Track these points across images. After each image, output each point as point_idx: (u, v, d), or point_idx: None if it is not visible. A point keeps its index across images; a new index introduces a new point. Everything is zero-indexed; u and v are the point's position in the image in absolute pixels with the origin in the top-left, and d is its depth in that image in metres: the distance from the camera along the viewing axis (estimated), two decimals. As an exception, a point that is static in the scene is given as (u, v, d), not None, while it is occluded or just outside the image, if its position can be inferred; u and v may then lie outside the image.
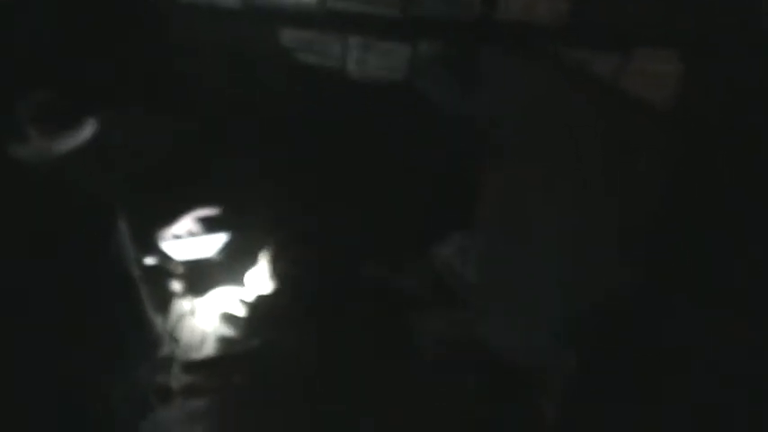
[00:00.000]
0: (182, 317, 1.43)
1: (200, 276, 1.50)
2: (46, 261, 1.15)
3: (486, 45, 1.32)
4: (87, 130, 1.33)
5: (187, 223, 1.53)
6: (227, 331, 1.35)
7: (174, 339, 1.38)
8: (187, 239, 1.51)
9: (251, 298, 1.39)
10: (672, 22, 1.37)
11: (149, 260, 1.49)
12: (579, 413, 1.14)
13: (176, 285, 1.49)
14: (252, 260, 1.46)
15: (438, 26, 1.37)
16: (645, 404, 1.08)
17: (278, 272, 1.37)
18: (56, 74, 1.29)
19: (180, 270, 1.51)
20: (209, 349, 1.35)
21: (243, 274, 1.46)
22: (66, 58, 1.31)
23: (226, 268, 1.51)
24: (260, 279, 1.42)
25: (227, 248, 1.53)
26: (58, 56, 1.31)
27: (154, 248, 1.50)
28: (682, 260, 1.12)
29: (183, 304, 1.45)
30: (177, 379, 1.30)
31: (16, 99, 1.27)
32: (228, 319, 1.35)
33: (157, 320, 1.37)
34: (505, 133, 1.20)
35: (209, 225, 1.54)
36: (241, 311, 1.35)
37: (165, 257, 1.50)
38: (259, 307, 1.35)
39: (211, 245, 1.53)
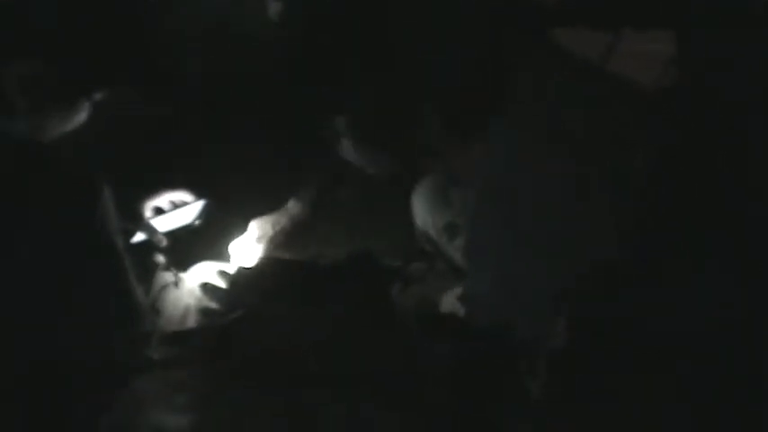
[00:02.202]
0: (164, 288, 1.42)
1: (184, 247, 1.49)
2: (29, 231, 1.14)
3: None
4: (82, 114, 1.31)
5: (170, 196, 1.53)
6: (209, 303, 1.34)
7: (156, 311, 1.38)
8: (170, 212, 1.51)
9: (234, 269, 1.39)
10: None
11: (133, 233, 1.48)
12: (563, 389, 1.14)
13: (159, 257, 1.49)
14: (235, 230, 1.46)
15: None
16: (632, 393, 1.08)
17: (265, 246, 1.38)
18: (47, 47, 1.26)
19: (163, 242, 1.50)
20: (191, 321, 1.35)
21: (226, 245, 1.46)
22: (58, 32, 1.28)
23: (208, 237, 1.50)
24: (244, 250, 1.43)
25: (207, 214, 1.53)
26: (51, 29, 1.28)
27: (137, 221, 1.49)
28: (679, 254, 1.11)
29: (166, 275, 1.45)
30: (158, 351, 1.29)
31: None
32: (210, 290, 1.34)
33: (140, 292, 1.36)
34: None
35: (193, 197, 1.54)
36: (223, 283, 1.34)
37: (148, 230, 1.50)
38: (242, 279, 1.34)
39: (192, 212, 1.53)
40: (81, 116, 1.29)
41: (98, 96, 1.29)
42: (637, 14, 1.39)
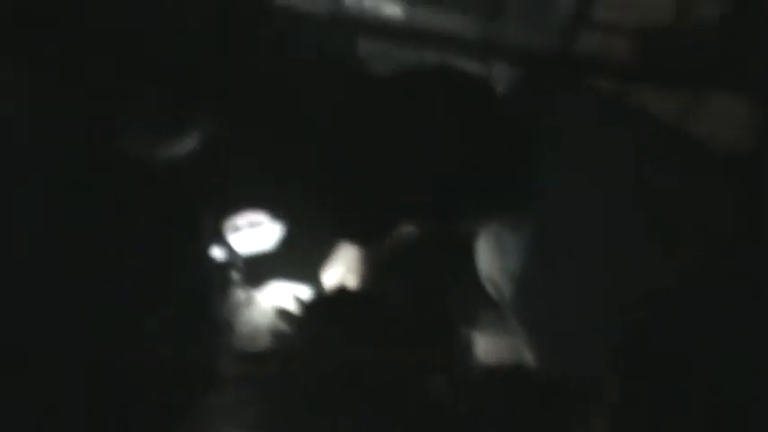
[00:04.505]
0: (238, 306, 1.48)
1: (260, 269, 1.54)
2: (133, 241, 1.21)
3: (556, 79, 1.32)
4: (192, 141, 1.36)
5: (250, 216, 1.58)
6: (281, 326, 1.39)
7: (230, 327, 1.43)
8: (247, 231, 1.56)
9: (308, 295, 1.43)
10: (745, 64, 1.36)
11: (216, 252, 1.53)
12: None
13: (235, 275, 1.54)
14: (314, 256, 1.49)
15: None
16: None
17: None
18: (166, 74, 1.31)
19: (240, 261, 1.55)
20: (261, 341, 1.39)
21: (304, 269, 1.49)
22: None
23: (286, 259, 1.54)
24: (321, 276, 1.47)
25: (287, 241, 1.57)
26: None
27: (217, 238, 1.54)
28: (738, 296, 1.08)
29: (240, 294, 1.50)
30: (229, 368, 1.33)
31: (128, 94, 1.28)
32: (282, 313, 1.39)
33: (216, 309, 1.41)
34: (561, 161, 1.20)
35: (270, 217, 1.58)
36: (297, 308, 1.38)
37: (226, 247, 1.55)
38: (315, 306, 1.38)
39: (272, 236, 1.58)
40: (192, 141, 1.35)
41: (209, 123, 1.34)
42: (719, 74, 1.39)
